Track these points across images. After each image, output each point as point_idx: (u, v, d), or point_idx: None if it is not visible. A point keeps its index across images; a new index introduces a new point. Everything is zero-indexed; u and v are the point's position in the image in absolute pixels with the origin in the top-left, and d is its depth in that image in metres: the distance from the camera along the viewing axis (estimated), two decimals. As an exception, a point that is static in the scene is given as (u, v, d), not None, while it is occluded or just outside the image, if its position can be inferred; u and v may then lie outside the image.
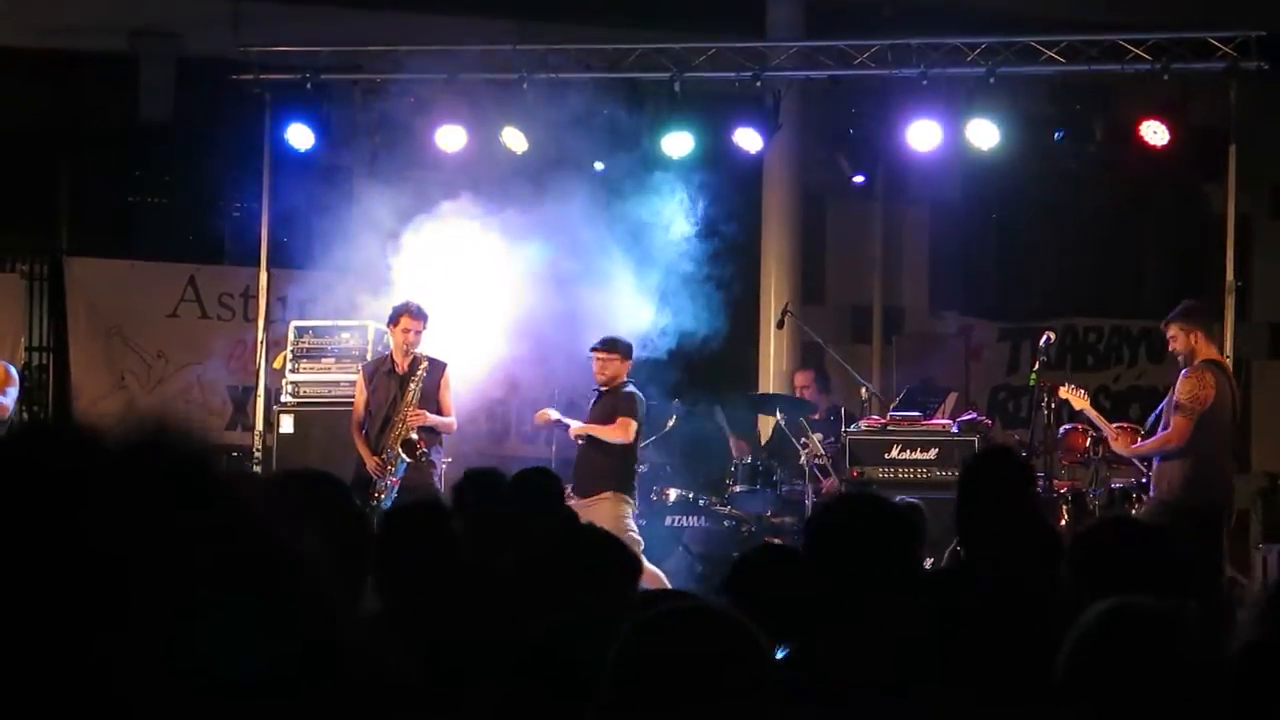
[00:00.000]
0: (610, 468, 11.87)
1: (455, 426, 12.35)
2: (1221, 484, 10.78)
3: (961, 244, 17.23)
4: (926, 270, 17.15)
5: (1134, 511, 11.09)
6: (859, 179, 14.20)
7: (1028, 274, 17.59)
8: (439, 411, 12.06)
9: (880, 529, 4.15)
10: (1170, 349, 11.03)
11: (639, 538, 11.59)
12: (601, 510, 11.28)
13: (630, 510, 11.86)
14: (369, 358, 13.01)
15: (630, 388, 12.18)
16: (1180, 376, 10.83)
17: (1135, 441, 11.17)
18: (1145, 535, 4.67)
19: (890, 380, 15.32)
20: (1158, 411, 11.11)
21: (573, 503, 11.48)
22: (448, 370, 12.22)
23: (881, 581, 3.98)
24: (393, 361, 12.10)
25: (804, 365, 14.44)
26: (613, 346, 12.14)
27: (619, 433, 11.89)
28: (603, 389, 12.11)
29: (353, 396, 12.38)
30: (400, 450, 11.81)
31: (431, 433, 12.00)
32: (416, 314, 12.05)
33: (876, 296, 16.76)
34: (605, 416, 11.99)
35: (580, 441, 12.01)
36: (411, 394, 11.93)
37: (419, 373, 11.97)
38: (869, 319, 16.75)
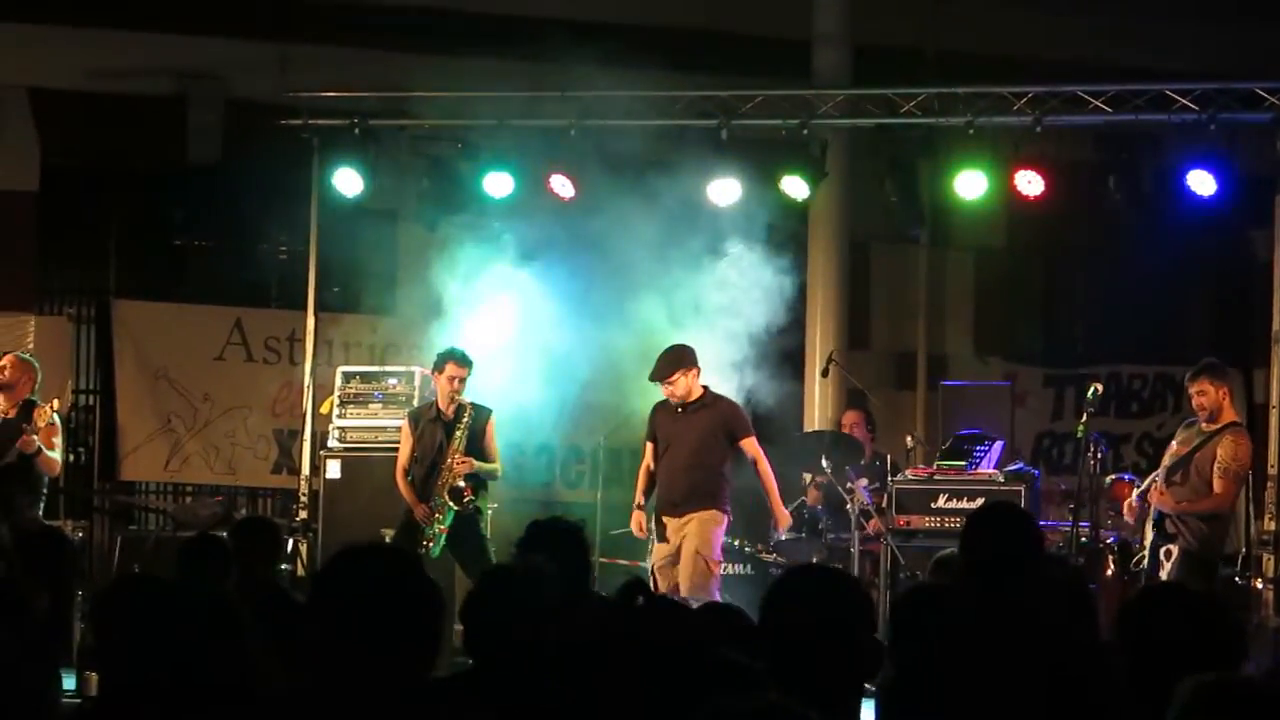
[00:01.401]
0: (714, 485, 11.66)
1: (501, 473, 12.35)
2: (1235, 537, 11.98)
3: (1006, 291, 17.20)
4: (971, 317, 17.11)
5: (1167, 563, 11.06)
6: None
7: (1072, 321, 17.54)
8: (485, 458, 12.05)
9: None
10: (1195, 404, 11.11)
11: (719, 558, 11.57)
12: (699, 526, 11.43)
13: (724, 526, 11.68)
14: (416, 403, 13.03)
15: (728, 398, 12.07)
16: (1213, 436, 10.97)
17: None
18: (1199, 607, 4.57)
19: (935, 427, 15.25)
20: (1178, 461, 11.07)
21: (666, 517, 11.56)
22: (493, 417, 12.21)
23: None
24: (438, 408, 12.10)
25: (853, 406, 14.41)
26: (670, 369, 11.72)
27: (768, 465, 11.82)
28: (683, 405, 11.77)
29: (399, 442, 12.39)
30: (448, 498, 11.81)
31: (478, 479, 12.00)
32: (462, 361, 12.06)
33: (921, 343, 16.71)
34: (710, 435, 11.66)
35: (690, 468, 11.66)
36: (457, 441, 11.93)
37: (465, 419, 11.98)
38: (914, 366, 16.70)
